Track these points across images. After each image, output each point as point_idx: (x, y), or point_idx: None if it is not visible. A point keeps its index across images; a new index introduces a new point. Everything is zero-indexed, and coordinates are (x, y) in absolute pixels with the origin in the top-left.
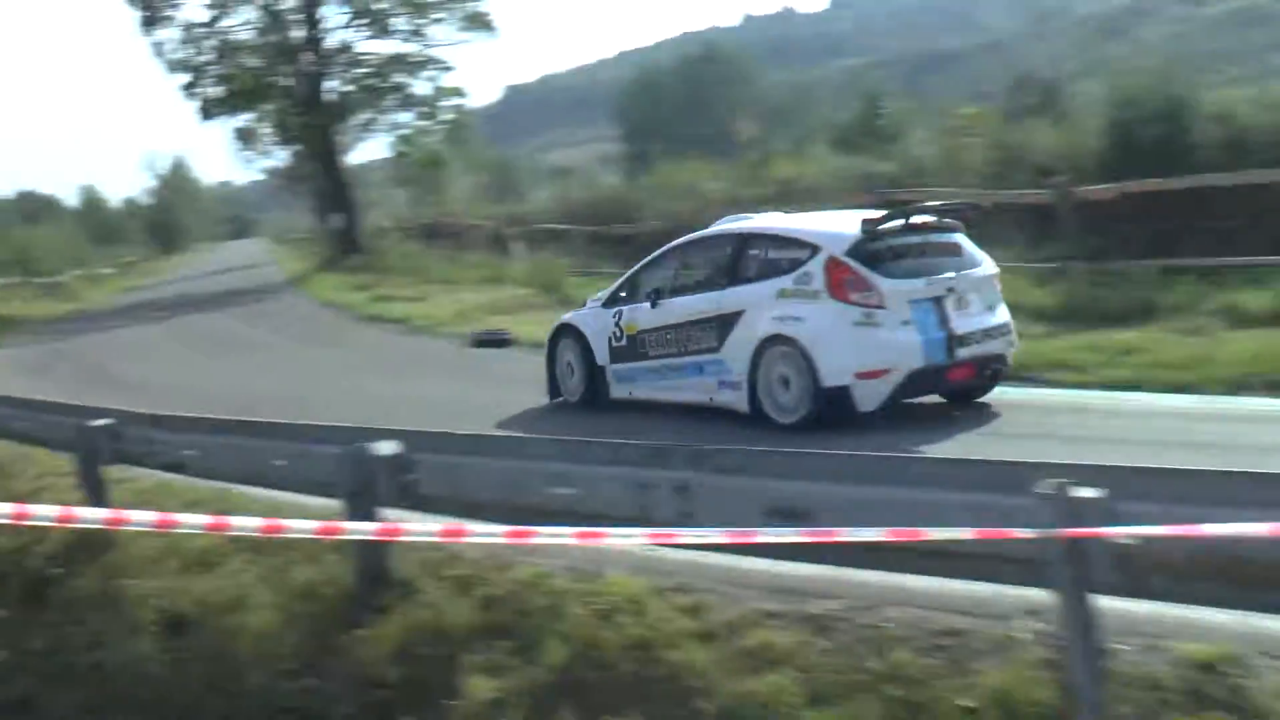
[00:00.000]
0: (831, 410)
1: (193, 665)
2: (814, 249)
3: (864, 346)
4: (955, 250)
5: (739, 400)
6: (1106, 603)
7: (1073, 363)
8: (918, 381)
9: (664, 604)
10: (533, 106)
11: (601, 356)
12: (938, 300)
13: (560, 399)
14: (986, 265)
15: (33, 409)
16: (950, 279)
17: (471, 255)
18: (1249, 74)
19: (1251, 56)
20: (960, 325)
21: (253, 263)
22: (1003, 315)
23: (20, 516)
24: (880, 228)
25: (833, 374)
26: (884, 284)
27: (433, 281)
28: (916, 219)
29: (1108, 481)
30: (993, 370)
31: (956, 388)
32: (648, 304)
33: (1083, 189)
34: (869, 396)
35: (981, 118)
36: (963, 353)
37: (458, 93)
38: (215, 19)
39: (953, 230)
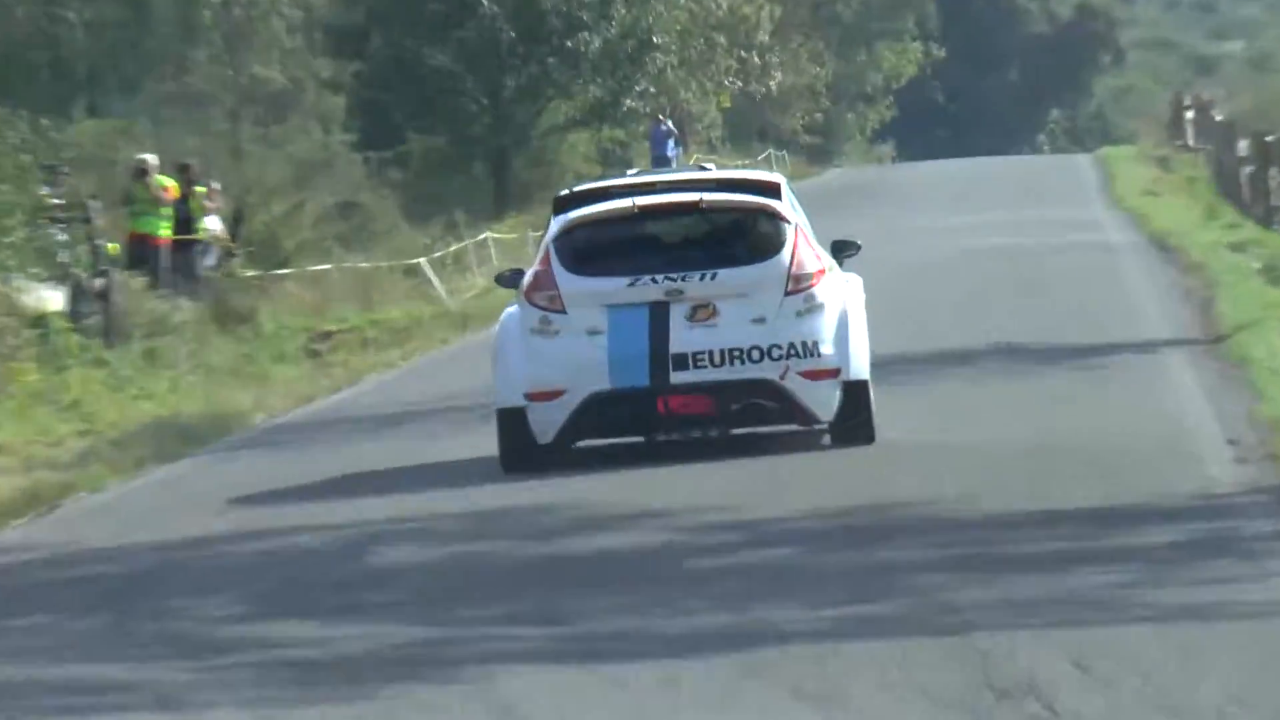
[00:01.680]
0: (507, 440)
1: None
2: (548, 231)
3: (537, 359)
4: (734, 239)
5: None
6: None
7: None
8: (609, 410)
9: None
10: None
11: None
12: (657, 306)
13: None
14: (780, 264)
15: None
16: (678, 279)
17: None
18: None
19: None
20: (684, 340)
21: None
22: (798, 331)
23: None
24: (578, 214)
25: (505, 393)
26: (567, 284)
27: None
28: (651, 199)
29: None
30: (752, 405)
31: (680, 423)
32: None
33: None
34: (546, 425)
35: None
36: (680, 378)
37: None
38: None
39: (747, 214)
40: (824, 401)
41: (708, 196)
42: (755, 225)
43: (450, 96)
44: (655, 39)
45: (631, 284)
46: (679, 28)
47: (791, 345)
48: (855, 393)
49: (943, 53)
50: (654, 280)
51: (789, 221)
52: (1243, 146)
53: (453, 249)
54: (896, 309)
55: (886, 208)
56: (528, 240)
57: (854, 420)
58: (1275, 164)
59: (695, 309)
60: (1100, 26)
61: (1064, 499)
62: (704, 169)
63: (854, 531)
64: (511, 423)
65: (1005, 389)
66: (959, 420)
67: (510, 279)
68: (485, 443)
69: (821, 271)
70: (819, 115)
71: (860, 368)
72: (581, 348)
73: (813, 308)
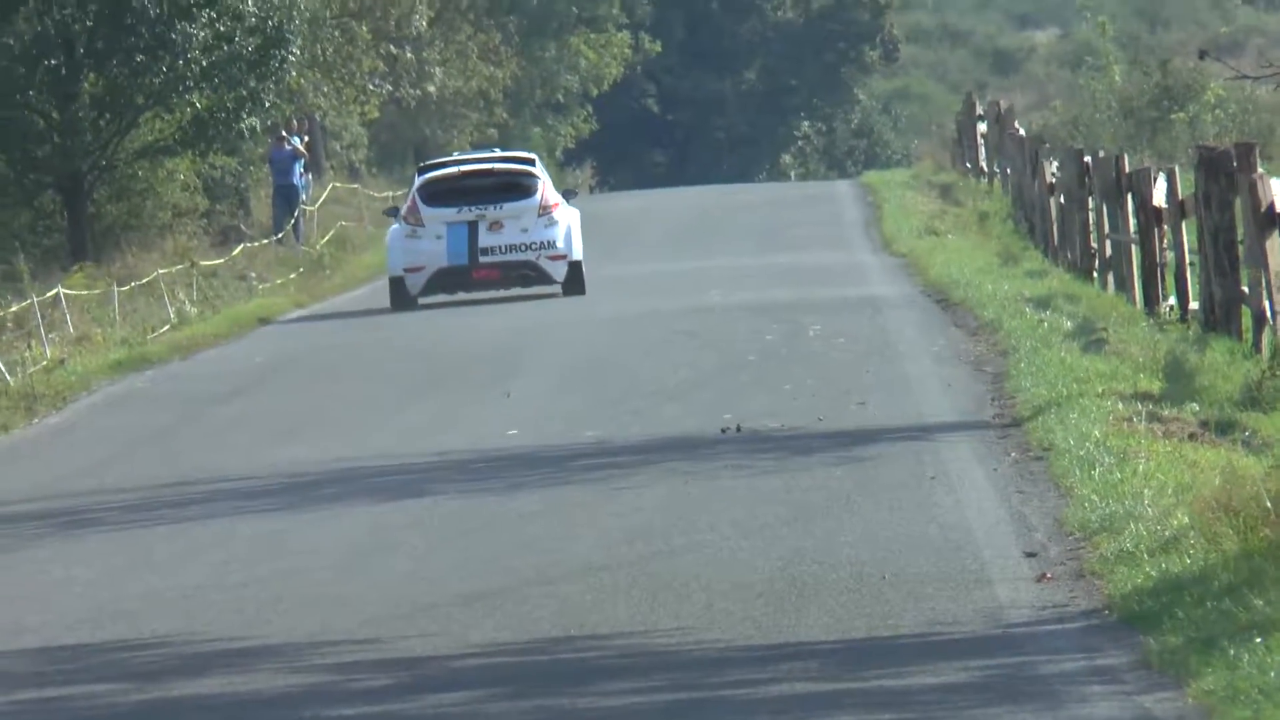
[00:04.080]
0: (395, 293)
1: None
2: (413, 185)
3: (409, 251)
4: (512, 189)
5: None
6: None
7: None
8: (447, 277)
9: None
10: None
11: None
12: (471, 224)
13: None
14: (535, 201)
15: None
16: (483, 209)
17: None
18: None
19: None
20: (486, 241)
21: None
22: (544, 235)
23: None
24: (430, 175)
25: (393, 268)
26: (425, 211)
27: None
28: (468, 167)
29: None
30: (522, 274)
31: (485, 284)
32: None
33: None
34: (414, 285)
35: None
36: (485, 260)
37: None
38: None
39: (517, 175)
40: (559, 272)
41: (496, 166)
42: (522, 180)
43: (9, 105)
44: (288, 35)
45: (458, 212)
46: (307, 15)
47: (542, 242)
48: (576, 268)
49: (658, 47)
50: (469, 209)
51: (539, 177)
52: (1052, 170)
53: (13, 309)
54: (595, 382)
55: (587, 251)
56: (113, 298)
57: (574, 281)
58: (1097, 193)
59: (492, 224)
60: (864, 13)
61: (809, 630)
62: (490, 149)
63: (534, 671)
64: (397, 285)
65: (739, 488)
66: (680, 531)
67: (393, 211)
68: (79, 551)
69: (557, 204)
70: (493, 130)
71: (578, 254)
72: (432, 245)
73: (552, 223)
